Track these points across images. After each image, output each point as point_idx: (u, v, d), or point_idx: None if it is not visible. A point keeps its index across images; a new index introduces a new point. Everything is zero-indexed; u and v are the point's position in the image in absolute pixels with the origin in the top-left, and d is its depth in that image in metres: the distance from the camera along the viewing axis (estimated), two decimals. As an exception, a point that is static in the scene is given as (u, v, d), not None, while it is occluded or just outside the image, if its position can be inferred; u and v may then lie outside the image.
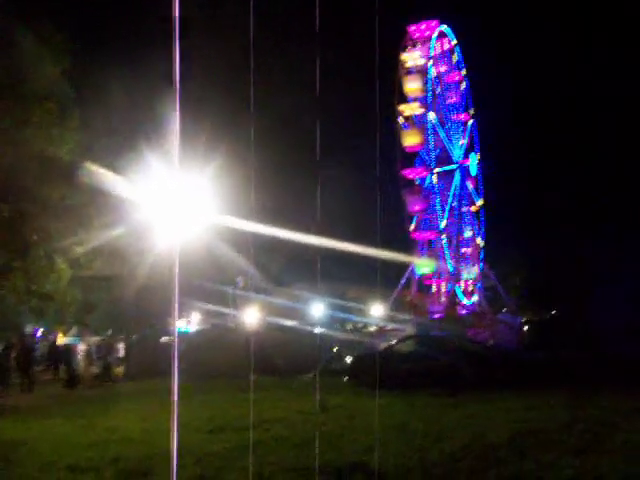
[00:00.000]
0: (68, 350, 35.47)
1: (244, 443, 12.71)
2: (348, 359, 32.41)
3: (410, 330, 45.06)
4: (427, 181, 57.00)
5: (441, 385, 21.34)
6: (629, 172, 63.44)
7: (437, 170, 57.51)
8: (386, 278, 55.72)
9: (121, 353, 49.58)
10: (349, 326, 58.43)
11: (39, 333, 49.34)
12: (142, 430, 14.76)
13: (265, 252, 40.96)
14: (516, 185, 66.14)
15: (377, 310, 56.03)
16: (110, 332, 50.31)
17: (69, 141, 18.58)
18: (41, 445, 12.51)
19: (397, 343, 27.80)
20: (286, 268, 51.46)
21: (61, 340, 56.94)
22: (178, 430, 13.16)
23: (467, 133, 62.06)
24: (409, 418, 15.29)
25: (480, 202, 63.67)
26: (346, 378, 26.22)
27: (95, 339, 49.64)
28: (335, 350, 37.05)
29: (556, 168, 72.10)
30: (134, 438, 13.72)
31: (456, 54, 61.53)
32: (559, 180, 67.79)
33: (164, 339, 40.16)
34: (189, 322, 49.21)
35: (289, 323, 40.06)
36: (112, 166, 19.23)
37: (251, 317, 38.12)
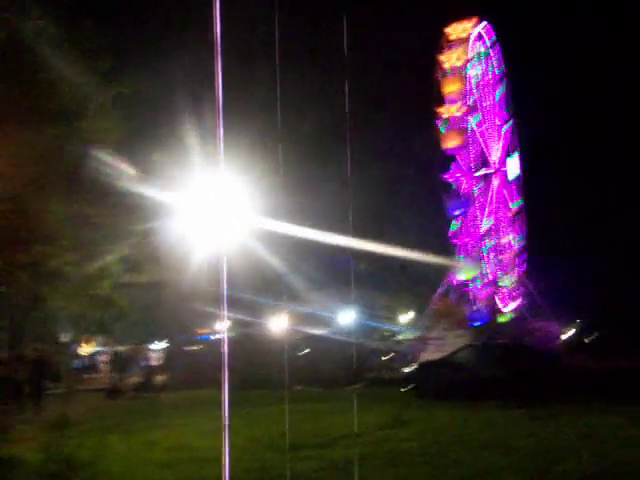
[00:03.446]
0: (129, 359, 34.37)
1: (333, 462, 11.52)
2: (405, 369, 31.09)
3: (453, 339, 43.53)
4: (465, 185, 55.59)
5: (511, 395, 20.07)
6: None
7: (476, 174, 56.20)
8: (421, 285, 54.45)
9: (153, 362, 48.66)
10: (379, 335, 57.13)
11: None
12: (210, 448, 13.50)
13: (298, 256, 39.59)
14: (556, 188, 64.16)
15: (412, 318, 54.68)
16: (137, 340, 49.42)
17: (110, 141, 17.54)
18: (110, 465, 11.29)
19: (456, 352, 26.44)
20: (318, 273, 50.07)
21: (85, 349, 56.17)
22: (251, 449, 11.87)
23: (505, 136, 60.61)
24: (503, 433, 13.94)
25: (517, 206, 62.18)
26: (404, 389, 24.95)
27: (122, 348, 48.88)
28: (385, 359, 35.85)
29: (597, 170, 70.05)
30: (207, 457, 12.44)
31: (493, 55, 60.23)
32: (599, 182, 65.93)
33: (192, 348, 39.22)
34: (217, 330, 48.10)
35: (320, 331, 38.94)
36: (153, 169, 18.23)
37: (282, 325, 37.04)
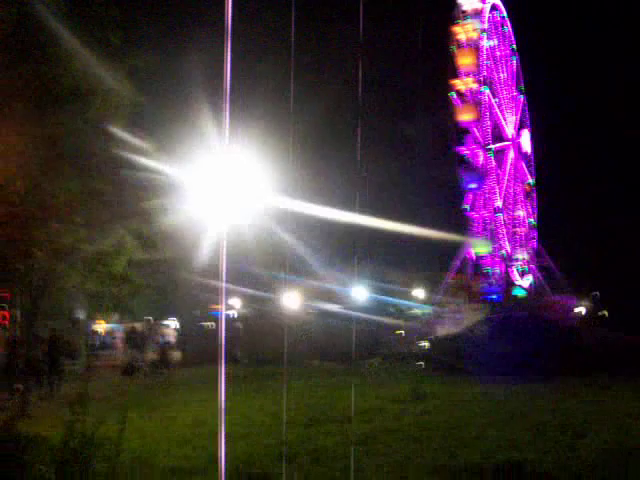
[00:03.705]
0: (144, 336, 34.38)
1: (353, 437, 11.41)
2: (423, 344, 31.04)
3: (469, 313, 43.29)
4: (480, 158, 54.90)
5: (529, 368, 20.00)
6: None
7: (492, 147, 55.47)
8: (437, 259, 54.10)
9: (169, 338, 48.72)
10: (394, 310, 56.85)
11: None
12: (231, 424, 13.45)
13: (312, 234, 39.36)
14: (569, 162, 63.32)
15: (427, 293, 54.30)
16: (151, 318, 49.48)
17: (122, 118, 17.27)
18: (131, 442, 11.22)
19: (472, 326, 26.36)
20: (332, 250, 49.77)
21: (101, 327, 56.32)
22: (271, 425, 11.76)
23: (518, 109, 59.92)
24: (523, 407, 13.83)
25: (532, 180, 61.55)
26: (420, 363, 24.89)
27: (137, 325, 48.98)
28: (401, 334, 35.79)
29: (612, 145, 69.02)
30: (227, 433, 12.39)
31: (507, 27, 59.44)
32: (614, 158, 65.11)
33: (206, 324, 39.30)
34: (231, 307, 48.13)
35: (334, 307, 38.86)
36: (165, 145, 17.99)
37: (294, 302, 37.03)
